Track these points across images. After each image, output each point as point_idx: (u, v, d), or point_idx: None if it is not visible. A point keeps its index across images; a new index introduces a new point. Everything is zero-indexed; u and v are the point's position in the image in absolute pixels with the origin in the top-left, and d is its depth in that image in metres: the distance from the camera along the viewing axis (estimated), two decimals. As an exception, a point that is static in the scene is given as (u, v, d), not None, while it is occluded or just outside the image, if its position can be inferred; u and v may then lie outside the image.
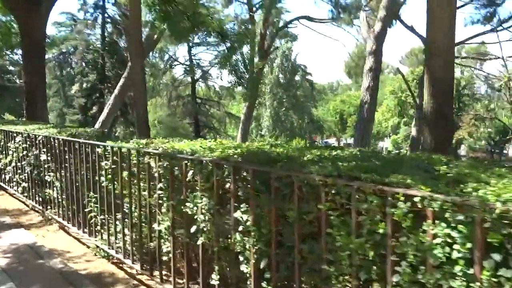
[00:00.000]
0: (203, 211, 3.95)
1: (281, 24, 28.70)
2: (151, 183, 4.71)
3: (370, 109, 18.62)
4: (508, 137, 43.33)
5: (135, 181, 5.02)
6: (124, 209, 5.20)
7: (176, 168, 4.34)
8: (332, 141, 66.71)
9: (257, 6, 27.38)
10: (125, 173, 5.12)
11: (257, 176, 3.43)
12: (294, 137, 42.77)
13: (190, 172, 4.12)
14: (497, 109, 48.57)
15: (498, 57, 28.11)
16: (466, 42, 28.44)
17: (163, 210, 4.52)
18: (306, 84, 51.29)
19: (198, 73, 43.26)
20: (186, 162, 4.16)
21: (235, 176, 3.63)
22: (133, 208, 5.06)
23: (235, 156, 3.73)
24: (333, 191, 2.83)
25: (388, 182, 2.53)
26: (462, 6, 26.97)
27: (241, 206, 3.56)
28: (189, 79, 43.96)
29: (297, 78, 49.92)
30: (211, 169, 3.88)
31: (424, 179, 2.52)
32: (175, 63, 44.07)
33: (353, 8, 26.75)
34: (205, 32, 14.89)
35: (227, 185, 3.78)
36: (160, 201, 4.56)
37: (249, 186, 3.51)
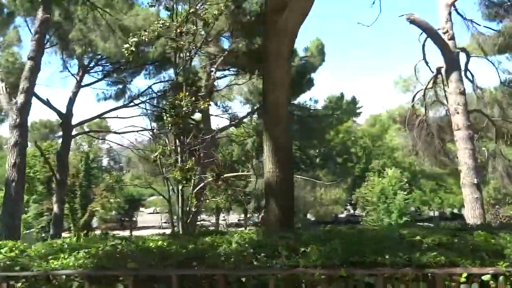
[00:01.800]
0: None
1: None
2: None
3: (19, 187, 16.86)
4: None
5: None
6: None
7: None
8: None
9: None
10: None
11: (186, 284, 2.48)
12: None
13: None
14: (126, 180, 51.76)
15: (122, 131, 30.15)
16: (102, 117, 29.54)
17: None
18: None
19: None
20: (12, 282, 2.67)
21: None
22: None
23: (99, 259, 2.63)
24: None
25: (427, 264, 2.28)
26: (94, 82, 28.10)
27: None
28: None
29: None
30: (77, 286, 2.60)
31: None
32: None
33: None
34: None
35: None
36: None
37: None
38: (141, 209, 61.74)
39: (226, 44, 24.58)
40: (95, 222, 50.79)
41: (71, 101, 26.22)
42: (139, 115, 28.57)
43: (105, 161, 61.01)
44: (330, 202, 45.02)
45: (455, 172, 25.10)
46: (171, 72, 26.28)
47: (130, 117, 27.78)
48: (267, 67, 7.56)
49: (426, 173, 37.89)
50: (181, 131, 16.05)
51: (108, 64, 26.75)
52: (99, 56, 26.09)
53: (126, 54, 14.68)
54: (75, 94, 26.32)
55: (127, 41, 14.40)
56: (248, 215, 56.35)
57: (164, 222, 57.68)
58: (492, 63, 20.51)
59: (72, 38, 22.93)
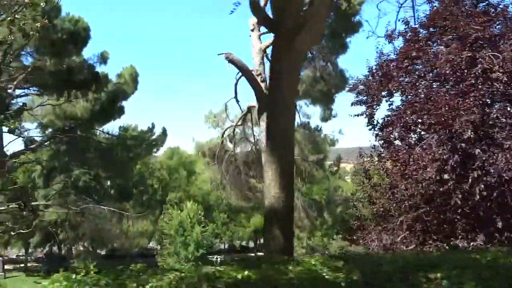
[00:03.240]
0: None
1: None
2: None
3: None
4: None
5: None
6: None
7: None
8: None
9: None
10: None
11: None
12: None
13: None
14: None
15: None
16: None
17: None
18: None
19: None
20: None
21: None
22: None
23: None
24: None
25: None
26: None
27: None
28: None
29: None
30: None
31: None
32: None
33: None
34: None
35: None
36: None
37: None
38: None
39: (28, 60, 22.25)
40: None
41: None
42: None
43: None
44: (137, 234, 43.68)
45: (258, 206, 26.76)
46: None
47: None
48: (278, 88, 7.02)
49: (231, 206, 39.33)
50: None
51: None
52: None
53: None
54: None
55: None
56: (30, 250, 50.69)
57: None
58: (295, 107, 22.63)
59: None
